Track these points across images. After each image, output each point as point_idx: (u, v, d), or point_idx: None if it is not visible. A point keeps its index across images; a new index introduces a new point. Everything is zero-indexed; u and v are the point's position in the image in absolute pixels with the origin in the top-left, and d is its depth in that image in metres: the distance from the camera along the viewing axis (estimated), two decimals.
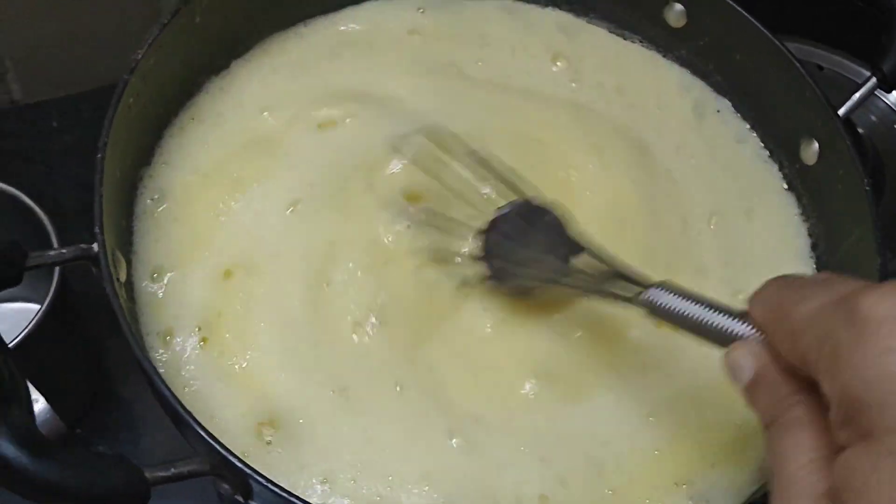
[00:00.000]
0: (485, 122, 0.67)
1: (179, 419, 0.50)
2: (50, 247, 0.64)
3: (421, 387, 0.58)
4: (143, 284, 0.60)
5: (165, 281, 0.61)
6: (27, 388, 0.47)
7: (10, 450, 0.44)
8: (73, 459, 0.45)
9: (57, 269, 0.70)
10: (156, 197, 0.63)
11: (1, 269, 0.51)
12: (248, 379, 0.59)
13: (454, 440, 0.57)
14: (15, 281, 0.52)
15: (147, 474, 0.47)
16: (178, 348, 0.59)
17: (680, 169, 0.70)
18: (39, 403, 0.67)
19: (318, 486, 0.55)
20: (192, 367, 0.58)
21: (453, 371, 0.59)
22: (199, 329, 0.60)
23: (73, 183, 0.92)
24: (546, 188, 0.62)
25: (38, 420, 0.65)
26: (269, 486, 0.48)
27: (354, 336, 0.59)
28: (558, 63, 0.74)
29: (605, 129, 0.69)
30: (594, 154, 0.68)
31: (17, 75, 0.94)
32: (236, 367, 0.59)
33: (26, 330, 0.68)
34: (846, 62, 0.94)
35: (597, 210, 0.65)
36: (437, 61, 0.72)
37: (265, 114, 0.68)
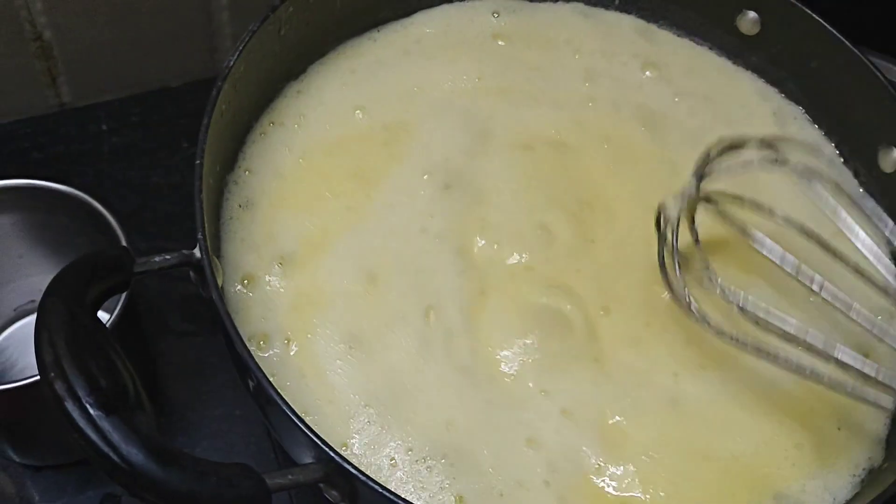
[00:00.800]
0: (583, 128, 0.67)
1: (290, 426, 0.49)
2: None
3: None
4: (235, 290, 0.59)
5: (256, 286, 0.60)
6: (146, 395, 0.47)
7: (139, 458, 0.43)
8: (200, 467, 0.45)
9: None
10: (243, 203, 0.63)
11: (113, 275, 0.50)
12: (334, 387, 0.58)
13: None
14: (124, 287, 0.52)
15: (268, 482, 0.46)
16: (272, 354, 0.58)
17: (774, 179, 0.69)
18: None
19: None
20: (286, 371, 0.57)
21: None
22: (290, 334, 0.58)
23: (122, 186, 0.91)
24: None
25: None
26: (384, 492, 0.47)
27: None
28: (648, 72, 0.74)
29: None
30: None
31: (68, 78, 0.94)
32: (328, 373, 0.58)
33: None
34: None
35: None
36: (523, 64, 0.71)
37: (357, 112, 0.67)
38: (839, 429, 0.61)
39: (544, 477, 0.56)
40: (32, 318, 0.81)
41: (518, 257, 0.63)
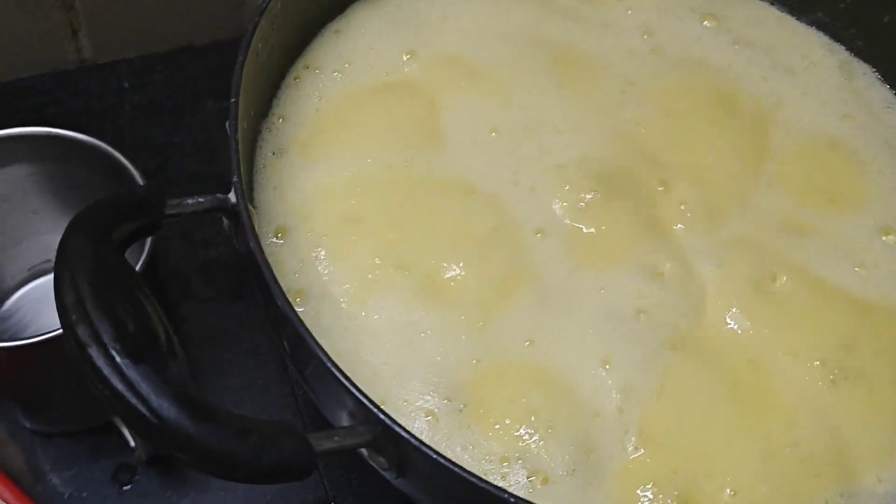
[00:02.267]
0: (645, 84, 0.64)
1: (332, 385, 0.45)
2: None
3: None
4: (268, 242, 0.55)
5: (290, 239, 0.55)
6: (180, 346, 0.42)
7: (170, 411, 0.39)
8: (239, 424, 0.40)
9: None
10: (277, 151, 0.58)
11: (142, 214, 0.46)
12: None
13: None
14: (154, 229, 0.47)
15: (314, 444, 0.42)
16: (307, 309, 0.54)
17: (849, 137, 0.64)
18: None
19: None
20: (320, 329, 0.53)
21: None
22: (325, 289, 0.54)
23: (144, 144, 0.88)
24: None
25: None
26: (440, 458, 0.43)
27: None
28: (706, 22, 0.69)
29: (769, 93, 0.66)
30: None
31: (89, 32, 0.90)
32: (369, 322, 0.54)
33: None
34: None
35: None
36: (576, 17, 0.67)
37: (405, 56, 0.62)
38: None
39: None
40: (47, 278, 0.78)
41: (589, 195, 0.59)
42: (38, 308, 0.77)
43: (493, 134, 0.60)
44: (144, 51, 0.94)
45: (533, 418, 0.52)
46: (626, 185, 0.60)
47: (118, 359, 0.39)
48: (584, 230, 0.58)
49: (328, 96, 0.61)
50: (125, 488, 0.72)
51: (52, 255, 0.76)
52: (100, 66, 0.93)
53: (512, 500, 0.43)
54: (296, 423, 0.43)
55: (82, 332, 0.39)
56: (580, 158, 0.61)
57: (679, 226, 0.59)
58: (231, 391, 0.78)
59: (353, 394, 0.43)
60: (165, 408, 0.38)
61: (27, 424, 0.73)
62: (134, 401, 0.38)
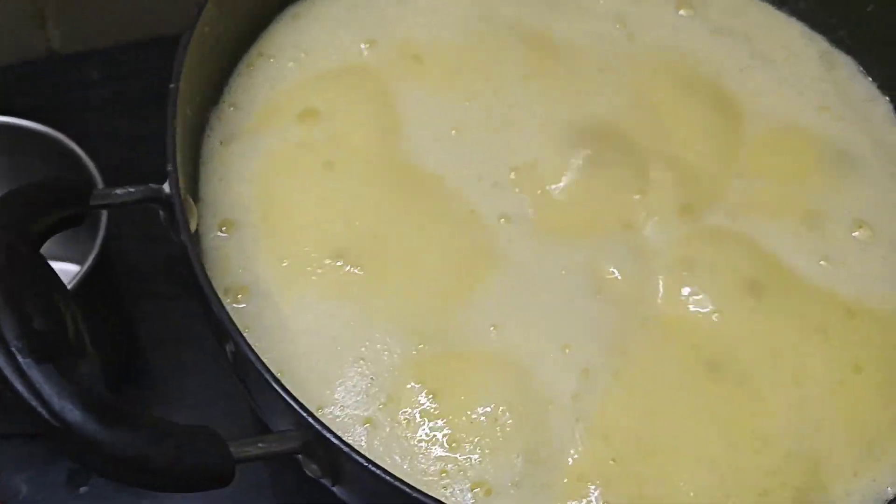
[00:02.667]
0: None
1: (262, 385, 0.42)
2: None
3: None
4: (212, 236, 0.52)
5: (235, 233, 0.53)
6: (91, 346, 0.40)
7: (75, 415, 0.36)
8: (153, 429, 0.37)
9: (102, 225, 0.63)
10: (225, 142, 0.55)
11: (65, 205, 0.43)
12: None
13: None
14: (78, 220, 0.45)
15: (233, 450, 0.39)
16: (248, 306, 0.51)
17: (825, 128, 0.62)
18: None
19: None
20: (262, 326, 0.50)
21: None
22: (269, 286, 0.51)
23: (112, 136, 0.86)
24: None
25: None
26: (371, 467, 0.41)
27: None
28: (682, 11, 0.67)
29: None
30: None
31: (58, 23, 0.88)
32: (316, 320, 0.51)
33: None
34: None
35: None
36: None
37: (363, 45, 0.60)
38: None
39: None
40: None
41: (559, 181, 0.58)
42: None
43: (454, 132, 0.58)
44: (114, 41, 0.92)
45: (483, 418, 0.49)
46: (595, 174, 0.58)
47: (20, 358, 0.36)
48: (550, 215, 0.56)
49: (281, 86, 0.59)
50: (81, 490, 0.71)
51: None
52: (68, 56, 0.91)
53: None
54: (215, 430, 0.39)
55: None
56: (549, 150, 0.58)
57: (646, 213, 0.57)
58: (191, 392, 0.76)
59: (283, 397, 0.40)
60: (69, 411, 0.36)
61: None
62: (34, 403, 0.36)
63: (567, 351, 0.52)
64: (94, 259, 0.64)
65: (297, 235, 0.53)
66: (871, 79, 0.67)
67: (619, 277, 0.55)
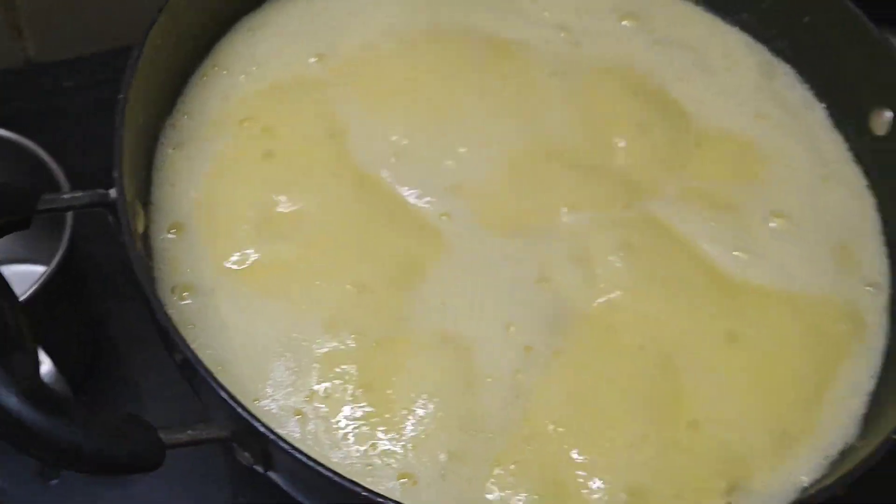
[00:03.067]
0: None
1: (198, 380, 0.45)
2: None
3: None
4: (162, 237, 0.55)
5: (185, 235, 0.55)
6: (34, 341, 0.42)
7: (14, 403, 0.39)
8: (86, 418, 0.40)
9: (67, 227, 0.66)
10: (176, 148, 0.58)
11: (11, 210, 0.46)
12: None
13: None
14: (24, 224, 0.47)
15: (162, 437, 0.42)
16: (192, 303, 0.54)
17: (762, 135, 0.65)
18: (45, 365, 0.62)
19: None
20: (206, 322, 0.53)
21: None
22: (213, 284, 0.54)
23: (87, 143, 0.87)
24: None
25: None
26: (297, 454, 0.43)
27: None
28: (625, 22, 0.70)
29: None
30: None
31: (33, 33, 0.90)
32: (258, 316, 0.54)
33: (32, 288, 0.63)
34: None
35: None
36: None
37: (312, 59, 0.63)
38: (815, 406, 0.56)
39: None
40: None
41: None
42: None
43: (396, 138, 0.61)
44: (89, 50, 0.94)
45: (416, 407, 0.52)
46: (534, 177, 0.61)
47: None
48: (490, 214, 0.59)
49: (233, 97, 0.61)
50: (52, 483, 0.73)
51: None
52: (44, 65, 0.93)
53: (380, 499, 0.42)
54: (145, 418, 0.42)
55: None
56: (493, 159, 0.61)
57: (584, 206, 0.60)
58: (162, 387, 0.78)
59: (212, 386, 0.43)
60: (4, 398, 0.38)
61: None
62: None
63: (511, 329, 0.55)
64: (59, 260, 0.66)
65: (238, 236, 0.56)
66: (808, 86, 0.69)
67: (558, 267, 0.58)
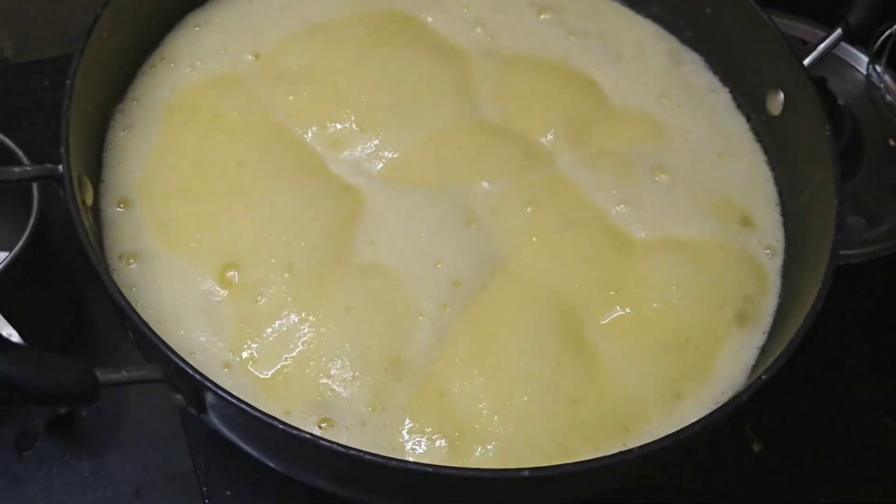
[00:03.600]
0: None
1: (137, 331, 0.51)
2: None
3: None
4: (111, 211, 0.61)
5: (130, 209, 0.62)
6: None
7: None
8: (25, 355, 0.46)
9: (34, 209, 0.71)
10: (126, 130, 0.64)
11: None
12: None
13: None
14: None
15: (98, 375, 0.48)
16: (135, 267, 0.60)
17: (664, 114, 0.71)
18: (14, 339, 0.67)
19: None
20: (146, 285, 0.59)
21: None
22: (154, 251, 0.61)
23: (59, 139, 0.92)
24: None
25: None
26: (227, 396, 0.49)
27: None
28: (544, 15, 0.76)
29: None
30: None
31: (10, 34, 0.95)
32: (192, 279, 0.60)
33: (2, 264, 0.69)
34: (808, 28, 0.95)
35: None
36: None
37: (249, 56, 0.70)
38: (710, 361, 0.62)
39: None
40: None
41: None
42: None
43: (330, 123, 0.67)
44: (65, 50, 0.98)
45: (345, 345, 0.58)
46: (457, 146, 0.68)
47: None
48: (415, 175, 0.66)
49: (180, 87, 0.67)
50: (25, 454, 0.77)
51: None
52: (22, 64, 0.98)
53: (307, 436, 0.48)
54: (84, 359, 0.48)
55: None
56: (419, 133, 0.68)
57: (496, 174, 0.66)
58: (120, 389, 0.80)
59: (144, 332, 0.49)
60: None
61: None
62: None
63: (439, 266, 0.61)
64: (26, 239, 0.71)
65: (176, 208, 0.62)
66: (713, 72, 0.75)
67: (481, 215, 0.64)
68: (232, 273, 0.60)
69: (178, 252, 0.60)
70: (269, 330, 0.58)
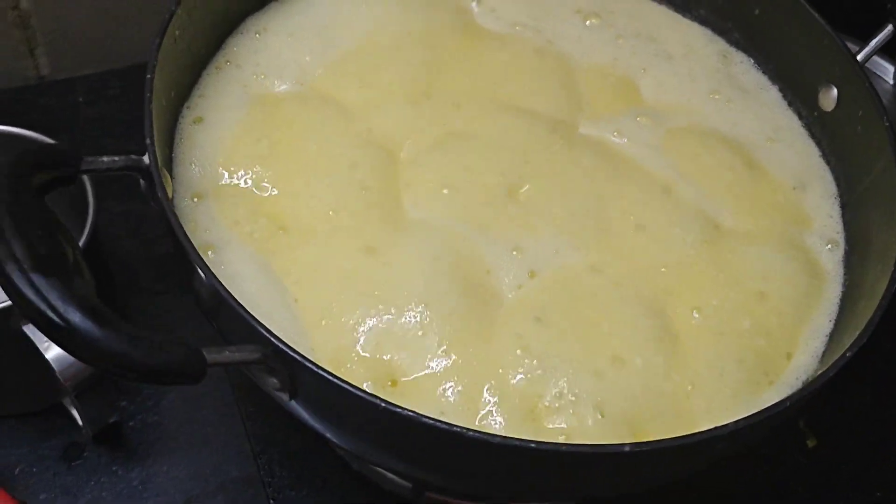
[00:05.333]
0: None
1: (231, 311, 0.51)
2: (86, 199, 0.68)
3: None
4: (183, 204, 0.62)
5: (204, 201, 0.62)
6: (90, 276, 0.49)
7: (76, 317, 0.45)
8: (137, 333, 0.46)
9: (90, 211, 0.71)
10: (196, 120, 0.66)
11: (59, 167, 0.52)
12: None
13: None
14: (70, 181, 0.54)
15: (205, 355, 0.48)
16: (217, 260, 0.60)
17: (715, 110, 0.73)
18: None
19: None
20: (236, 277, 0.59)
21: None
22: (227, 240, 0.61)
23: (98, 155, 0.93)
24: None
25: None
26: (326, 374, 0.49)
27: None
28: (589, 21, 0.77)
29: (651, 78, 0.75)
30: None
31: (46, 50, 0.96)
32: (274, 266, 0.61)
33: None
34: None
35: None
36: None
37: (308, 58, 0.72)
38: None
39: None
40: None
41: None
42: None
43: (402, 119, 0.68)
44: (100, 67, 0.99)
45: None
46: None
47: (31, 274, 0.45)
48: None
49: (249, 89, 0.68)
50: (74, 464, 0.77)
51: None
52: (57, 81, 0.99)
53: (398, 409, 0.48)
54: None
55: (0, 251, 0.46)
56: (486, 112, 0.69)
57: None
58: (166, 399, 0.82)
59: (247, 319, 0.49)
60: (72, 314, 0.45)
61: None
62: (43, 307, 0.45)
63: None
64: (88, 234, 0.70)
65: (246, 200, 0.63)
66: (762, 71, 0.77)
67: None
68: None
69: (254, 245, 0.60)
70: (350, 316, 0.58)
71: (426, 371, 0.58)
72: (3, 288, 0.46)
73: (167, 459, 0.78)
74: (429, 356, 0.58)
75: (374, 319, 0.59)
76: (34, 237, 0.47)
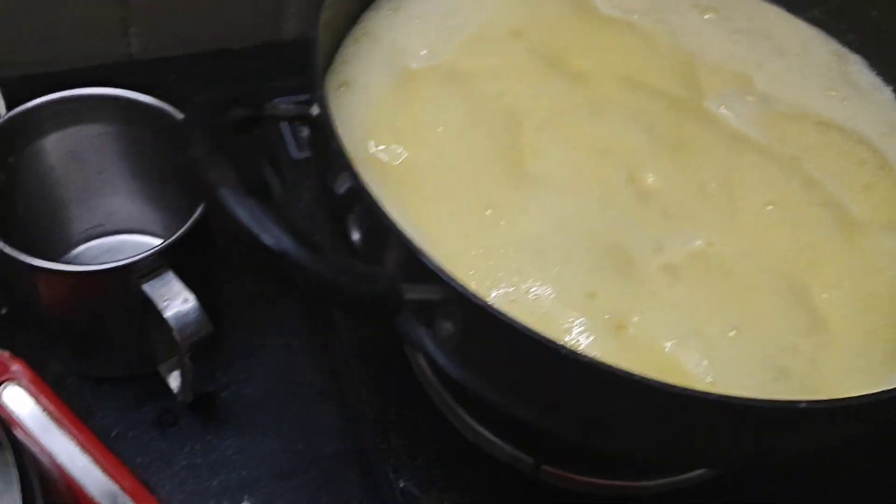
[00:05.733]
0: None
1: (409, 257, 0.51)
2: None
3: None
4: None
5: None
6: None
7: (289, 244, 0.45)
8: (344, 262, 0.47)
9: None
10: (342, 83, 0.66)
11: (250, 105, 0.53)
12: None
13: None
14: (252, 124, 0.54)
15: (403, 290, 0.48)
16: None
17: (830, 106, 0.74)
18: (190, 302, 0.67)
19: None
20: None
21: None
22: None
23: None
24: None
25: (191, 317, 0.65)
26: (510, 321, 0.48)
27: None
28: (707, 15, 0.78)
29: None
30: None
31: (140, 30, 0.96)
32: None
33: (182, 230, 0.69)
34: None
35: None
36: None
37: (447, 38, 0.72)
38: None
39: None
40: (97, 242, 0.83)
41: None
42: None
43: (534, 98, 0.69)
44: (187, 50, 1.00)
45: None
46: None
47: (244, 198, 0.46)
48: None
49: (388, 60, 0.69)
50: (169, 430, 0.78)
51: (105, 221, 0.82)
52: (144, 61, 1.00)
53: (585, 359, 0.48)
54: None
55: (213, 176, 0.46)
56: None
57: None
58: (269, 350, 0.84)
59: (427, 265, 0.49)
60: (284, 240, 0.45)
61: (76, 368, 0.78)
62: (257, 230, 0.45)
63: None
64: (197, 216, 0.70)
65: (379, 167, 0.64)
66: (876, 73, 0.78)
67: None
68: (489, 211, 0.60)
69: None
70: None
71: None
72: (215, 212, 0.46)
73: (260, 431, 0.79)
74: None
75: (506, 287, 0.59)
76: (241, 167, 0.47)
